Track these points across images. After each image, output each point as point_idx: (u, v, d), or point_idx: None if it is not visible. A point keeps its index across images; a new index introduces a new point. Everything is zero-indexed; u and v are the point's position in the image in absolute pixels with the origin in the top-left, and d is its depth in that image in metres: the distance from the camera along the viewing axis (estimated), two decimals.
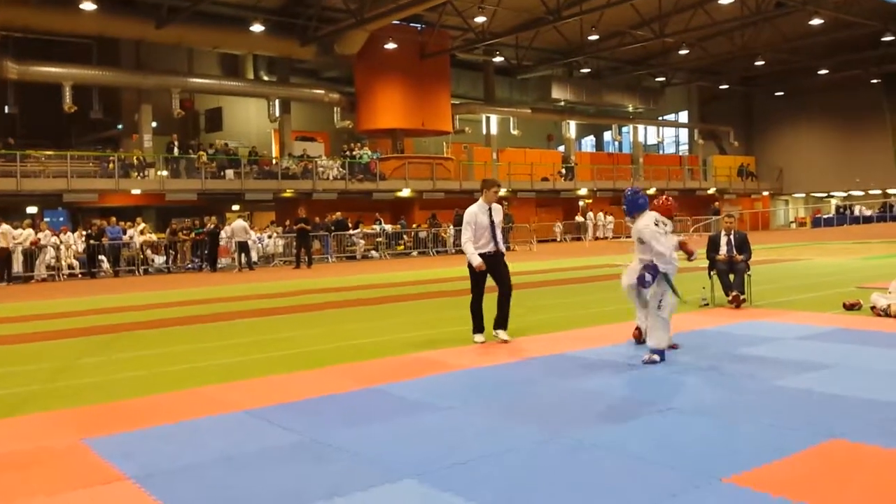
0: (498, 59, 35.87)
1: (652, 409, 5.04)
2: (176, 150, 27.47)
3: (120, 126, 30.25)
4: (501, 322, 7.76)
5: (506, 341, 7.65)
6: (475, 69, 37.19)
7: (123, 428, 5.01)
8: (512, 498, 3.57)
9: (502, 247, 7.75)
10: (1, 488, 3.93)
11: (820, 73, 41.72)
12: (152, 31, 26.03)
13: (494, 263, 7.62)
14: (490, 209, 7.61)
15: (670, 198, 7.77)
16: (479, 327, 7.80)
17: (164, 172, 26.99)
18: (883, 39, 35.76)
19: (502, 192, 38.35)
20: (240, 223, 22.99)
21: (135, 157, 26.69)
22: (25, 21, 24.24)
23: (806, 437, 4.28)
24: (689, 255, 7.39)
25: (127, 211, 26.28)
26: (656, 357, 6.45)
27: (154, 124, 28.47)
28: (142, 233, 23.23)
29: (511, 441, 4.45)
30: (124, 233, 22.66)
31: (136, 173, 26.38)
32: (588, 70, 40.48)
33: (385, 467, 4.06)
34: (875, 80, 42.56)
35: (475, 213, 7.60)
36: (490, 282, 7.71)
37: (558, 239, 36.22)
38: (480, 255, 7.51)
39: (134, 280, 20.68)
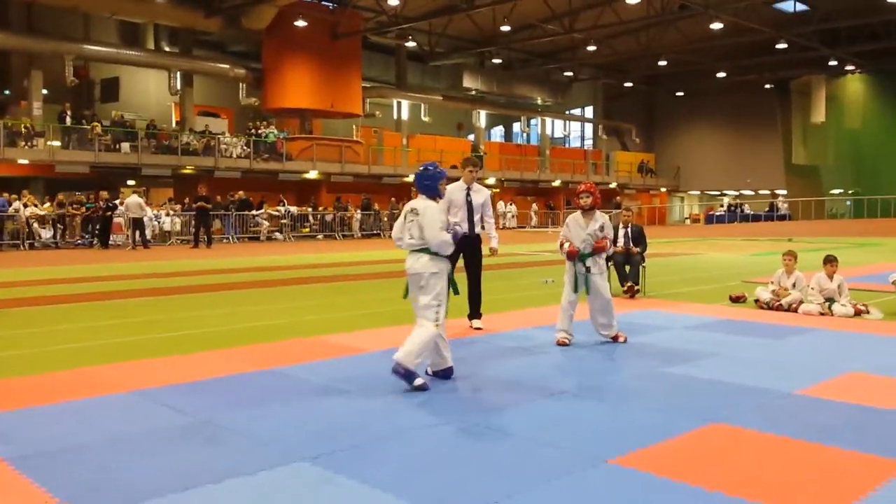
0: (411, 44, 35.75)
1: (543, 393, 5.16)
2: (68, 120, 26.08)
3: (7, 91, 28.46)
4: (476, 312, 7.63)
5: (479, 329, 7.55)
6: (387, 53, 36.95)
7: (2, 407, 4.74)
8: (405, 479, 3.58)
9: (478, 230, 7.46)
10: None
11: (718, 75, 43.63)
12: None
13: (465, 246, 7.20)
14: (469, 189, 7.35)
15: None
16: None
17: (56, 143, 25.58)
18: (777, 47, 37.70)
19: (410, 177, 38.14)
20: (135, 199, 22.10)
21: (22, 126, 25.18)
22: None
23: (689, 422, 4.47)
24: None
25: (13, 182, 24.78)
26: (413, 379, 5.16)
27: (45, 92, 26.89)
28: (25, 206, 21.96)
29: (404, 424, 4.46)
30: (9, 204, 21.37)
31: (23, 142, 24.90)
32: (500, 61, 40.92)
33: (279, 450, 3.99)
34: (769, 86, 44.84)
35: (452, 190, 7.21)
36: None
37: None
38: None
39: (18, 255, 19.56)
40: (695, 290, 11.19)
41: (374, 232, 30.36)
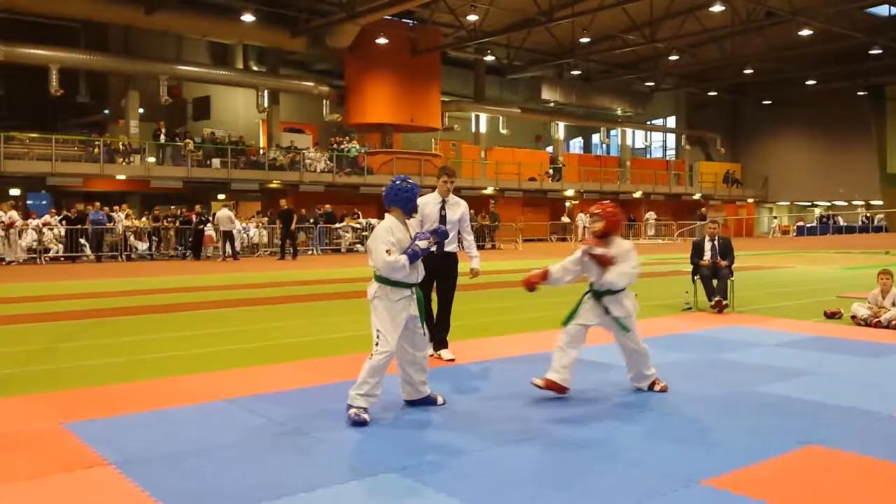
0: (489, 58, 35.91)
1: (632, 411, 5.08)
2: (162, 137, 27.29)
3: (106, 111, 30.02)
4: (443, 341, 6.74)
5: (452, 360, 6.66)
6: (466, 67, 37.21)
7: (103, 413, 4.98)
8: (493, 495, 3.59)
9: (453, 248, 6.59)
10: None
11: (808, 83, 42.10)
12: (141, 17, 25.81)
13: (438, 266, 6.35)
14: (444, 202, 6.49)
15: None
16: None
17: (151, 159, 26.80)
18: (870, 52, 36.14)
19: (489, 189, 38.01)
20: (225, 212, 22.88)
21: (120, 143, 26.49)
22: (11, 2, 23.97)
23: (784, 443, 4.32)
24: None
25: (111, 196, 26.09)
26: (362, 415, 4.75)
27: (141, 110, 28.27)
28: (127, 218, 23.06)
29: (493, 438, 4.46)
30: (109, 219, 22.47)
31: (121, 159, 26.18)
32: (578, 72, 40.62)
33: (367, 460, 4.07)
34: (861, 93, 42.98)
35: (424, 203, 6.34)
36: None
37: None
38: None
39: (116, 266, 20.51)
40: (786, 305, 10.81)
41: None
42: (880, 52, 35.55)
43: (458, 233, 6.69)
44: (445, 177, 6.52)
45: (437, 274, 6.44)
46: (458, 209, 6.58)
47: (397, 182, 4.98)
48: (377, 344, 4.76)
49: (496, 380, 6.10)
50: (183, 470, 3.94)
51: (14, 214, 20.99)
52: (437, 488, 3.63)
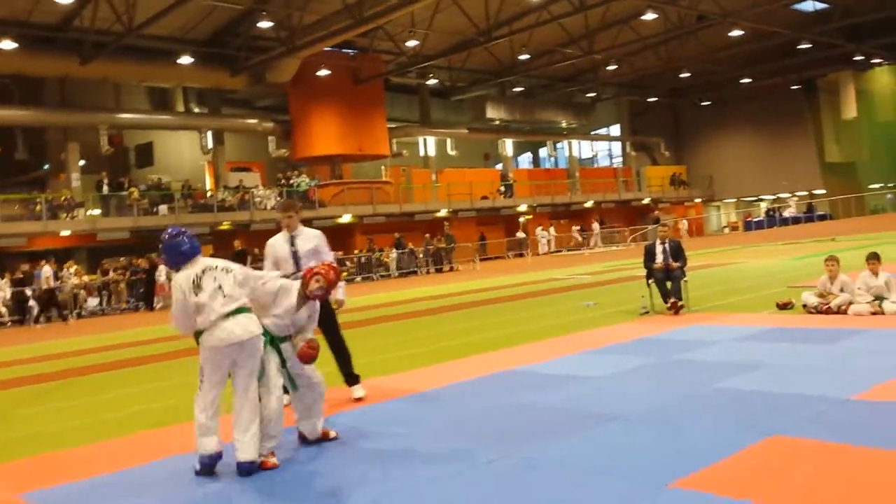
0: (432, 81, 36.17)
1: (598, 420, 5.11)
2: (106, 188, 26.79)
3: (46, 166, 29.38)
4: (351, 377, 6.44)
5: (361, 398, 6.37)
6: (410, 92, 37.41)
7: (63, 480, 4.85)
8: None
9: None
10: None
11: (743, 81, 43.25)
12: (76, 68, 25.40)
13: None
14: (292, 238, 6.07)
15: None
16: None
17: (96, 211, 26.28)
18: (799, 48, 37.33)
19: (442, 212, 37.96)
20: None
21: (63, 198, 25.93)
22: None
23: (747, 437, 4.39)
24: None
25: (57, 253, 25.43)
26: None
27: (82, 162, 27.72)
28: (75, 274, 22.51)
29: (461, 461, 4.44)
30: (57, 278, 21.92)
31: (64, 214, 25.61)
32: (521, 89, 41.11)
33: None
34: (795, 87, 44.35)
35: (273, 245, 6.10)
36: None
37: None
38: None
39: (67, 325, 20.01)
40: (739, 301, 11.02)
41: (412, 270, 30.48)
42: (809, 46, 36.75)
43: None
44: (283, 212, 6.23)
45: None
46: (311, 240, 6.16)
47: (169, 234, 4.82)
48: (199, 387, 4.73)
49: (459, 402, 6.08)
50: None
51: None
52: None
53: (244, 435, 4.53)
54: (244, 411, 4.58)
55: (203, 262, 4.71)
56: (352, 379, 6.44)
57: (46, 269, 20.46)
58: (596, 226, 40.04)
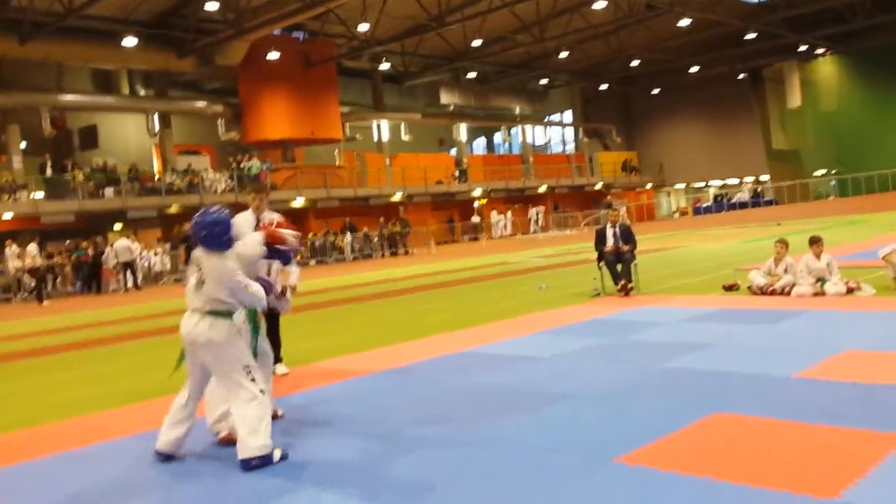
0: (384, 66, 35.91)
1: (548, 399, 5.16)
2: (49, 171, 26.02)
3: None
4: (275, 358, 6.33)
5: (286, 374, 6.70)
6: (363, 77, 37.09)
7: (4, 462, 4.72)
8: (415, 495, 3.57)
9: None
10: None
11: (691, 70, 43.94)
12: (16, 47, 24.52)
13: None
14: (257, 220, 5.99)
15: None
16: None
17: (39, 194, 25.52)
18: (745, 38, 38.06)
19: (397, 196, 37.91)
20: (123, 242, 22.07)
21: (4, 179, 25.11)
22: None
23: (691, 414, 4.47)
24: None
25: (0, 236, 24.64)
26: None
27: (24, 145, 26.85)
28: (18, 257, 21.81)
29: (410, 439, 4.45)
30: None
31: (6, 196, 24.81)
32: (474, 74, 41.11)
33: (287, 479, 3.98)
34: (742, 76, 45.26)
35: (239, 221, 5.52)
36: None
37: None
38: None
39: (10, 308, 19.44)
40: (688, 283, 11.22)
41: (367, 254, 30.36)
42: (755, 35, 37.49)
43: None
44: (254, 193, 6.25)
45: None
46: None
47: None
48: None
49: (411, 383, 6.08)
50: None
51: None
52: (360, 499, 3.59)
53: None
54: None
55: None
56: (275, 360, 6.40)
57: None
58: (534, 210, 40.13)
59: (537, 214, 39.68)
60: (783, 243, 9.27)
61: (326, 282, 18.28)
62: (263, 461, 4.15)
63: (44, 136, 26.53)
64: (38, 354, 9.87)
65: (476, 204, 39.55)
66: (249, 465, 4.13)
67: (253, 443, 4.13)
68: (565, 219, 41.24)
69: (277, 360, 6.55)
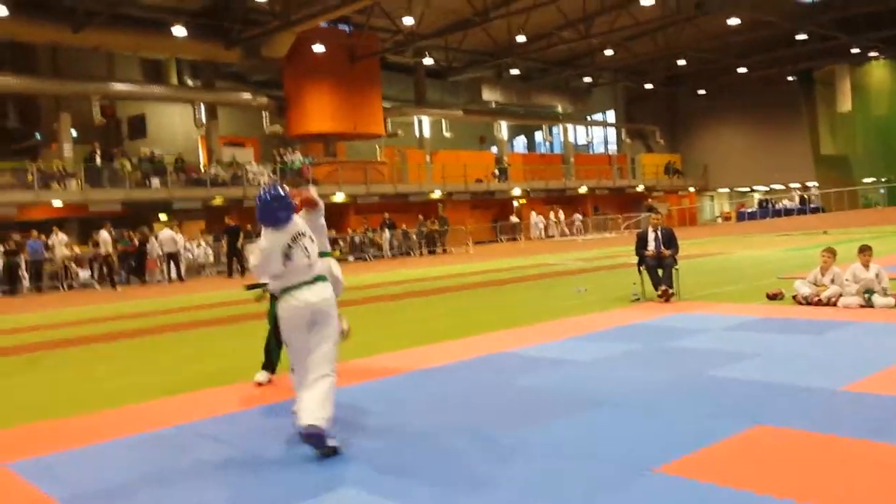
0: (428, 61, 35.93)
1: (585, 404, 5.12)
2: (98, 160, 26.59)
3: (38, 135, 29.10)
4: (265, 364, 6.54)
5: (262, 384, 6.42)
6: (406, 72, 37.19)
7: (49, 450, 4.83)
8: (450, 497, 3.58)
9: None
10: None
11: (739, 71, 43.17)
12: (69, 36, 25.10)
13: None
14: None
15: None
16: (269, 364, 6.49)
17: (87, 183, 26.08)
18: (797, 38, 37.26)
19: (436, 193, 37.87)
20: (167, 233, 22.43)
21: (55, 168, 25.73)
22: None
23: (733, 425, 4.40)
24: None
25: (48, 224, 25.26)
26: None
27: (74, 133, 27.48)
28: (66, 246, 22.30)
29: (445, 440, 4.45)
30: (46, 247, 21.78)
31: (56, 184, 25.42)
32: (517, 71, 40.93)
33: (327, 477, 4.02)
34: (791, 78, 44.32)
35: None
36: None
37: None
38: None
39: (59, 296, 19.93)
40: (731, 290, 11.04)
41: (405, 251, 30.45)
42: (806, 37, 36.68)
43: None
44: (297, 189, 5.88)
45: None
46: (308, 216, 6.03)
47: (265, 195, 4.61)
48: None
49: (447, 383, 6.09)
50: (129, 501, 3.83)
51: None
52: (395, 498, 3.60)
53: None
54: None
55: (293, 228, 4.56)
56: (264, 365, 6.46)
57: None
58: (577, 216, 39.77)
59: (580, 220, 39.34)
60: (830, 252, 9.06)
61: (363, 279, 18.40)
62: (320, 440, 4.19)
63: (93, 125, 27.09)
64: (81, 343, 10.08)
65: (515, 204, 39.39)
66: (309, 435, 4.17)
67: (320, 413, 4.20)
68: (605, 221, 40.86)
69: (267, 366, 6.43)
